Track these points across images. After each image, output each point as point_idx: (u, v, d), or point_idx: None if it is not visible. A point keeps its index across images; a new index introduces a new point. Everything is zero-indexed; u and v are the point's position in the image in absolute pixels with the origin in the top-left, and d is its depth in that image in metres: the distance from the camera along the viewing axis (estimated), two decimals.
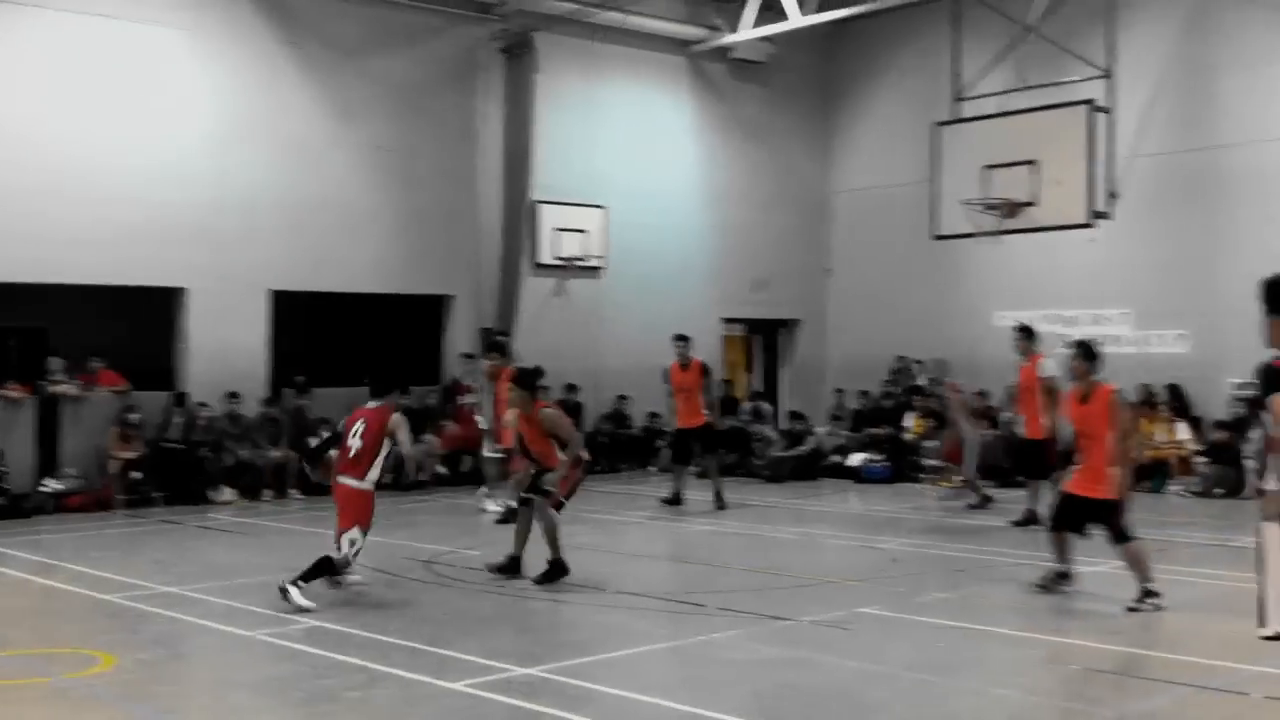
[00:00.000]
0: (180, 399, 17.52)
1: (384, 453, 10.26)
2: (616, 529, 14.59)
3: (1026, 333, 14.67)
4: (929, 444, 19.95)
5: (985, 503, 15.95)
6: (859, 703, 7.46)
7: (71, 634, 9.48)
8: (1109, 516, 9.92)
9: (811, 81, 24.68)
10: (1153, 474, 18.31)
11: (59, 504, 16.09)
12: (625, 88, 22.21)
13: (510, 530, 11.59)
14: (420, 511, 16.36)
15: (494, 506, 15.52)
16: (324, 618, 9.50)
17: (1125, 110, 16.20)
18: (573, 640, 9.15)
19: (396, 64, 19.74)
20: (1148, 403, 19.02)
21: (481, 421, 16.28)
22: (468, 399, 18.67)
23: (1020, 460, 15.58)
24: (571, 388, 20.23)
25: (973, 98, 17.45)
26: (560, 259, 21.08)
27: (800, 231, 24.49)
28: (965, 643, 8.98)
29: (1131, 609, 9.73)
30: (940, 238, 17.82)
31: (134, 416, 16.80)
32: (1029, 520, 14.08)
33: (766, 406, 22.33)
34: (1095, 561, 11.93)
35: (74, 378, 16.93)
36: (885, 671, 8.10)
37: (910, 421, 20.63)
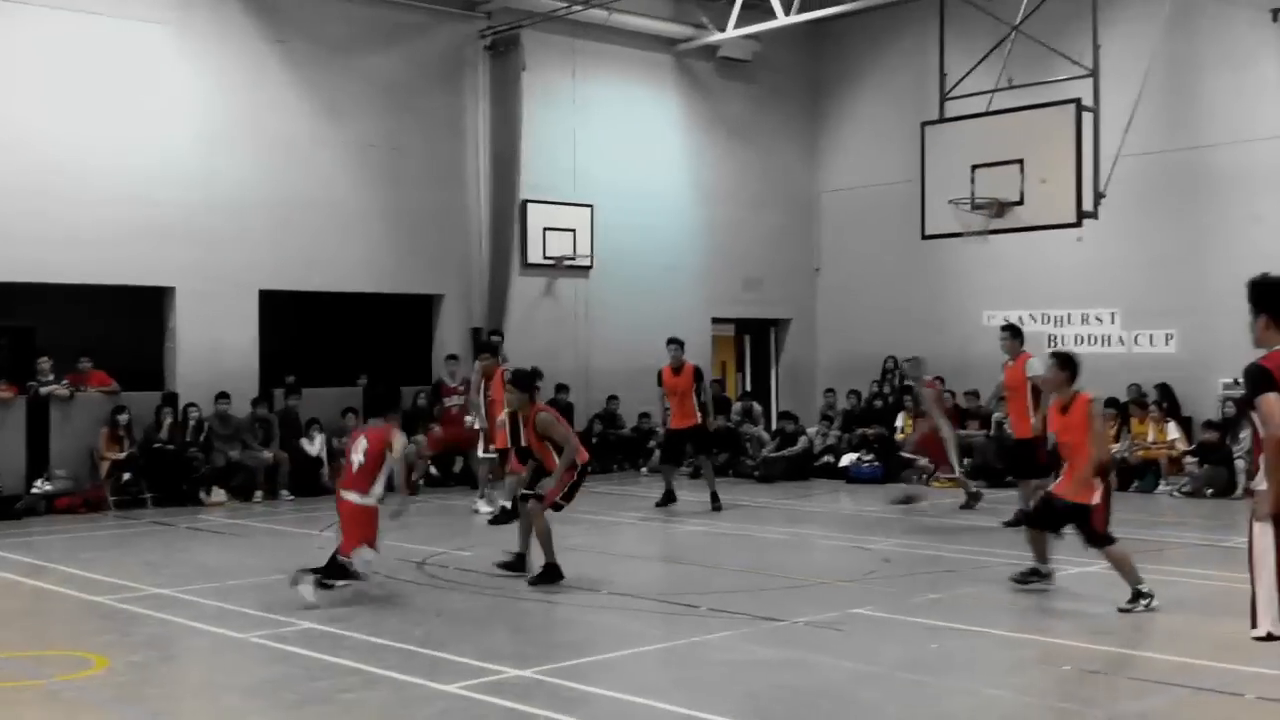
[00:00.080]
0: (170, 399, 17.47)
1: (386, 468, 10.35)
2: (609, 529, 14.59)
3: (1013, 332, 14.69)
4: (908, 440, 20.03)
5: (974, 500, 15.97)
6: (852, 703, 7.48)
7: (63, 636, 9.47)
8: (1086, 521, 10.01)
9: (799, 80, 24.71)
10: (1143, 474, 18.40)
11: (49, 505, 16.06)
12: (612, 86, 22.21)
13: (504, 530, 11.61)
14: (412, 513, 16.29)
15: (486, 508, 15.52)
16: (317, 620, 9.49)
17: (1112, 110, 16.22)
18: (566, 641, 9.14)
19: (384, 62, 19.72)
20: (1137, 403, 19.08)
21: (475, 422, 16.25)
22: (452, 400, 18.64)
23: (1011, 460, 15.61)
24: (562, 388, 20.23)
25: (960, 97, 17.46)
26: (549, 258, 21.08)
27: (789, 231, 24.52)
28: (958, 643, 9.00)
29: (1123, 610, 9.76)
30: (929, 237, 17.83)
31: (124, 417, 16.76)
32: (1021, 520, 14.10)
33: (757, 407, 22.36)
34: (1087, 562, 11.97)
35: (63, 378, 16.88)
36: (878, 672, 8.12)
37: (901, 421, 20.68)
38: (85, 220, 16.83)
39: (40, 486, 16.22)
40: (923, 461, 18.58)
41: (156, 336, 18.07)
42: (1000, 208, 16.69)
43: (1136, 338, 20.15)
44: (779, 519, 15.89)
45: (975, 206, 16.80)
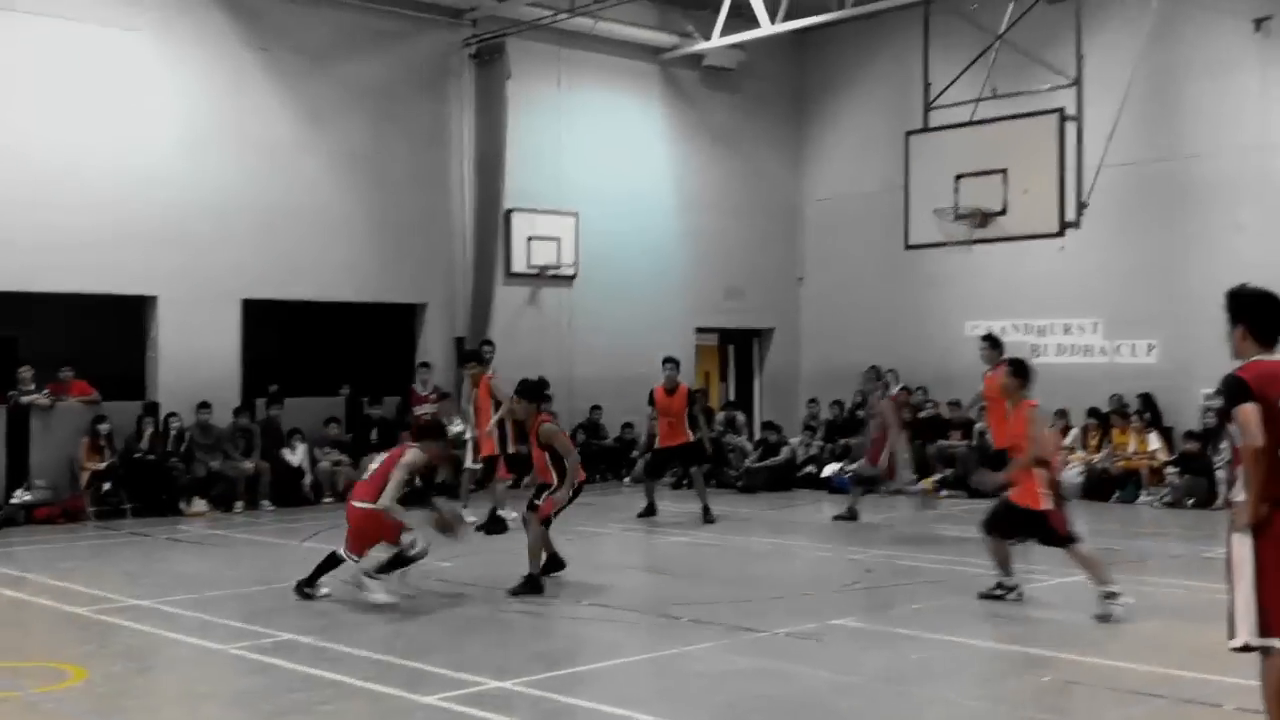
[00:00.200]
0: (151, 409, 17.40)
1: (398, 479, 10.46)
2: (591, 540, 14.55)
3: (992, 342, 14.70)
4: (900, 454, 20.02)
5: (927, 504, 15.94)
6: (832, 714, 7.47)
7: (41, 647, 9.42)
8: (1043, 526, 10.19)
9: (783, 89, 24.75)
10: (1124, 485, 18.44)
11: (29, 515, 15.97)
12: (597, 94, 22.22)
13: (487, 540, 11.62)
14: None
15: (471, 518, 15.45)
16: (296, 631, 9.44)
17: (1095, 119, 16.27)
18: (547, 653, 9.12)
19: (367, 69, 19.69)
20: (1119, 413, 19.14)
21: (465, 431, 16.21)
22: (424, 409, 18.57)
23: (991, 469, 15.59)
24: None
25: (944, 106, 17.50)
26: (533, 267, 21.06)
27: (772, 240, 24.55)
28: (938, 654, 8.99)
29: (1099, 617, 9.82)
30: (912, 247, 17.85)
31: (104, 427, 16.68)
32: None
33: (740, 417, 22.36)
34: (1067, 573, 11.98)
35: (44, 387, 16.80)
36: (859, 683, 8.11)
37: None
38: (67, 229, 16.76)
39: (19, 496, 16.14)
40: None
41: (138, 345, 18.00)
42: (983, 217, 16.72)
43: (1119, 347, 20.21)
44: (761, 529, 15.88)
45: (959, 216, 16.83)
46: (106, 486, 16.56)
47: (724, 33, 21.53)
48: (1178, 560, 13.28)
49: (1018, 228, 16.57)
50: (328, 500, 18.17)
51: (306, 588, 10.72)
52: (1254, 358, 6.12)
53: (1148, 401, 19.22)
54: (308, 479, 18.19)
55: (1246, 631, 6.00)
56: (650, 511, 16.37)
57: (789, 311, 24.89)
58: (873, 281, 23.24)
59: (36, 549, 14.13)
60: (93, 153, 17.14)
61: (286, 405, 18.47)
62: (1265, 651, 5.98)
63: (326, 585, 10.74)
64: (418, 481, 18.55)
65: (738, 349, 25.15)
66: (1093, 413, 19.39)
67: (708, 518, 16.04)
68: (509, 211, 20.85)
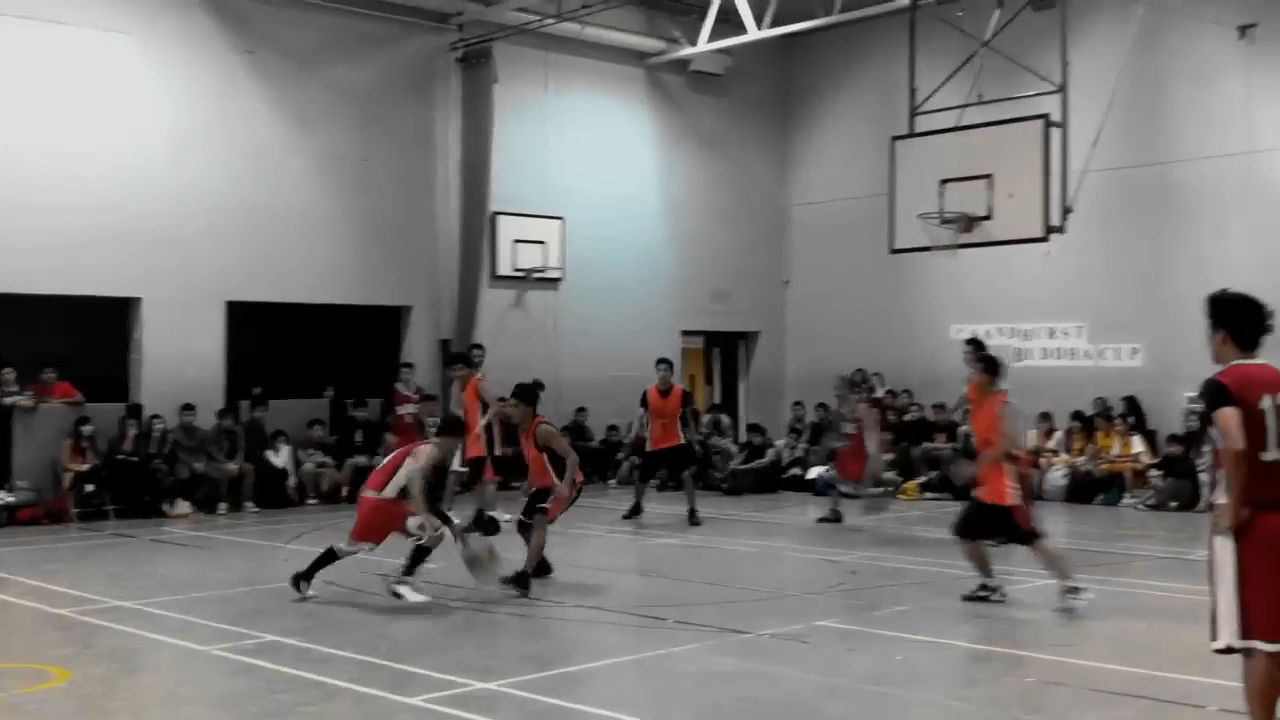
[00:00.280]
0: (134, 410, 17.35)
1: (404, 474, 10.60)
2: (577, 542, 14.54)
3: (976, 346, 14.70)
4: (886, 457, 20.06)
5: (877, 506, 15.93)
6: (816, 715, 7.48)
7: (24, 649, 9.38)
8: (1009, 521, 10.35)
9: (769, 94, 24.79)
10: (1108, 487, 18.51)
11: (11, 517, 15.90)
12: (583, 99, 22.23)
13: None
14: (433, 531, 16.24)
15: (456, 520, 15.41)
16: (280, 632, 9.43)
17: (1080, 125, 16.32)
18: (532, 654, 9.11)
19: (354, 73, 19.67)
20: (1102, 415, 19.22)
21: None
22: (406, 408, 18.54)
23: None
24: None
25: (929, 112, 17.54)
26: (519, 270, 21.06)
27: (758, 244, 24.58)
28: (922, 655, 9.01)
29: (1060, 610, 10.03)
30: (897, 251, 17.89)
31: (88, 428, 16.63)
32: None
33: (726, 419, 22.37)
34: (1050, 574, 12.02)
35: (27, 389, 16.73)
36: (843, 684, 8.13)
37: (871, 447, 20.67)
38: (51, 230, 16.70)
39: (2, 498, 16.06)
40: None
41: (121, 347, 17.94)
42: (969, 222, 16.75)
43: (1103, 351, 20.28)
44: (747, 531, 15.90)
45: (944, 221, 16.85)
46: (90, 488, 16.49)
47: (711, 38, 21.55)
48: (1161, 562, 13.33)
49: (1003, 232, 16.60)
50: (312, 502, 18.17)
51: (302, 580, 10.79)
52: (1234, 362, 6.20)
53: (1133, 405, 19.30)
54: (292, 481, 18.15)
55: (1229, 633, 6.04)
56: (636, 511, 16.37)
57: (775, 315, 24.93)
58: (858, 285, 23.29)
59: (19, 550, 14.06)
60: (78, 155, 17.08)
61: (271, 407, 18.42)
62: (1247, 653, 6.02)
63: (315, 589, 10.74)
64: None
65: (723, 352, 25.17)
66: (1077, 416, 19.47)
67: (693, 520, 16.06)
68: (495, 214, 20.85)
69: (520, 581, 10.98)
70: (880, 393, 21.85)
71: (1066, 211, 16.23)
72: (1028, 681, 8.25)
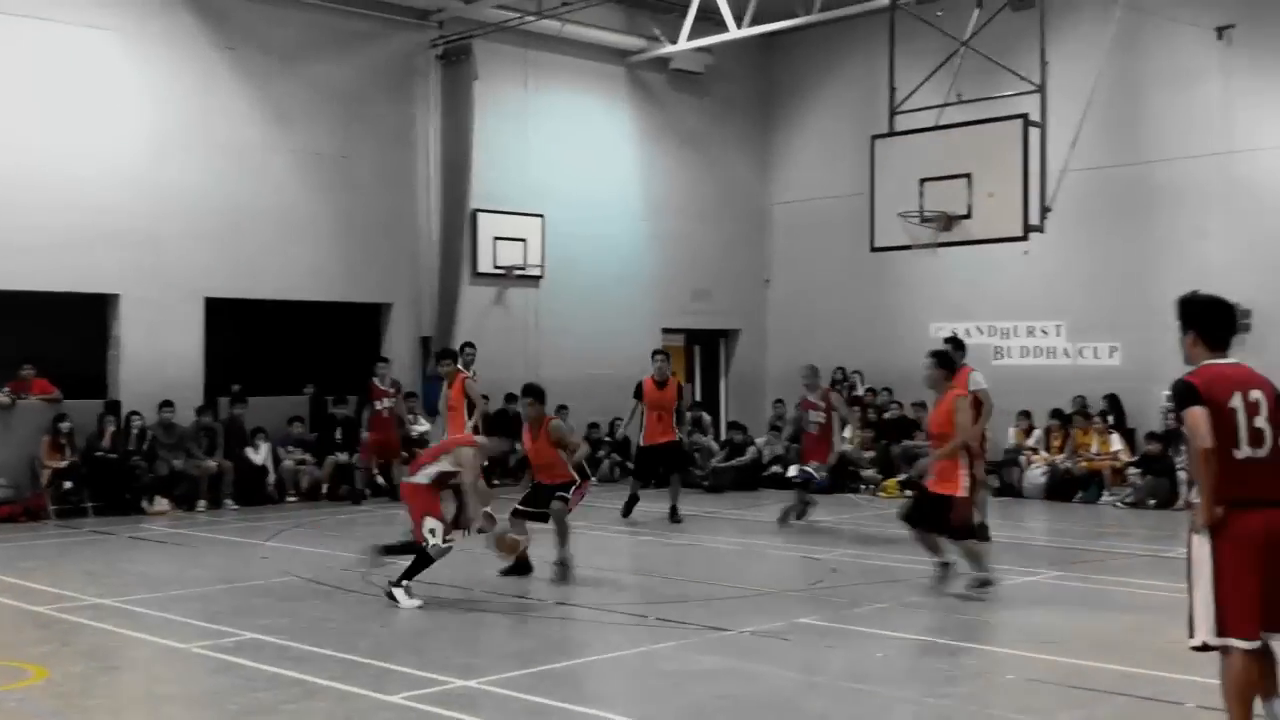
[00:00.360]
0: (113, 407, 17.27)
1: (450, 465, 10.62)
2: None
3: (955, 345, 14.75)
4: (866, 454, 20.16)
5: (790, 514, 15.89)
6: (797, 713, 7.49)
7: (2, 646, 9.32)
8: (950, 511, 10.62)
9: (750, 93, 24.82)
10: (1087, 485, 18.60)
11: None
12: (564, 97, 22.22)
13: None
14: (359, 523, 16.24)
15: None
16: (260, 630, 9.40)
17: (1059, 125, 16.40)
18: (513, 652, 9.10)
19: (334, 70, 19.62)
20: (1082, 414, 19.31)
21: (425, 428, 16.19)
22: (382, 404, 18.48)
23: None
24: (511, 397, 20.14)
25: (909, 111, 17.59)
26: (499, 268, 21.04)
27: (739, 242, 24.61)
28: (904, 653, 9.05)
29: (964, 595, 10.50)
30: (878, 249, 17.93)
31: (66, 425, 16.55)
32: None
33: (706, 417, 22.40)
34: (1031, 572, 12.11)
35: (5, 385, 16.64)
36: (824, 682, 8.15)
37: (849, 432, 20.76)
38: (30, 226, 16.63)
39: None
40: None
41: (100, 344, 17.86)
42: (948, 221, 16.79)
43: (1081, 350, 20.38)
44: (727, 529, 15.92)
45: (924, 220, 16.91)
46: (68, 485, 16.42)
47: (691, 36, 21.57)
48: (1139, 560, 13.40)
49: (982, 231, 16.66)
50: (291, 499, 18.13)
51: (383, 554, 10.95)
52: (1205, 362, 6.29)
53: (1114, 403, 19.40)
54: (271, 478, 18.11)
55: (1205, 631, 6.09)
56: (634, 503, 16.21)
57: (755, 313, 24.97)
58: (838, 284, 23.35)
59: None
60: (57, 151, 17.00)
61: (250, 404, 18.37)
62: (1224, 651, 6.07)
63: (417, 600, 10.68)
64: (379, 479, 18.72)
65: (704, 350, 25.20)
66: (1056, 414, 19.57)
67: (675, 518, 16.05)
68: (475, 212, 20.83)
69: (562, 573, 11.51)
70: (860, 390, 21.99)
71: (1045, 211, 16.30)
72: (1008, 679, 8.28)
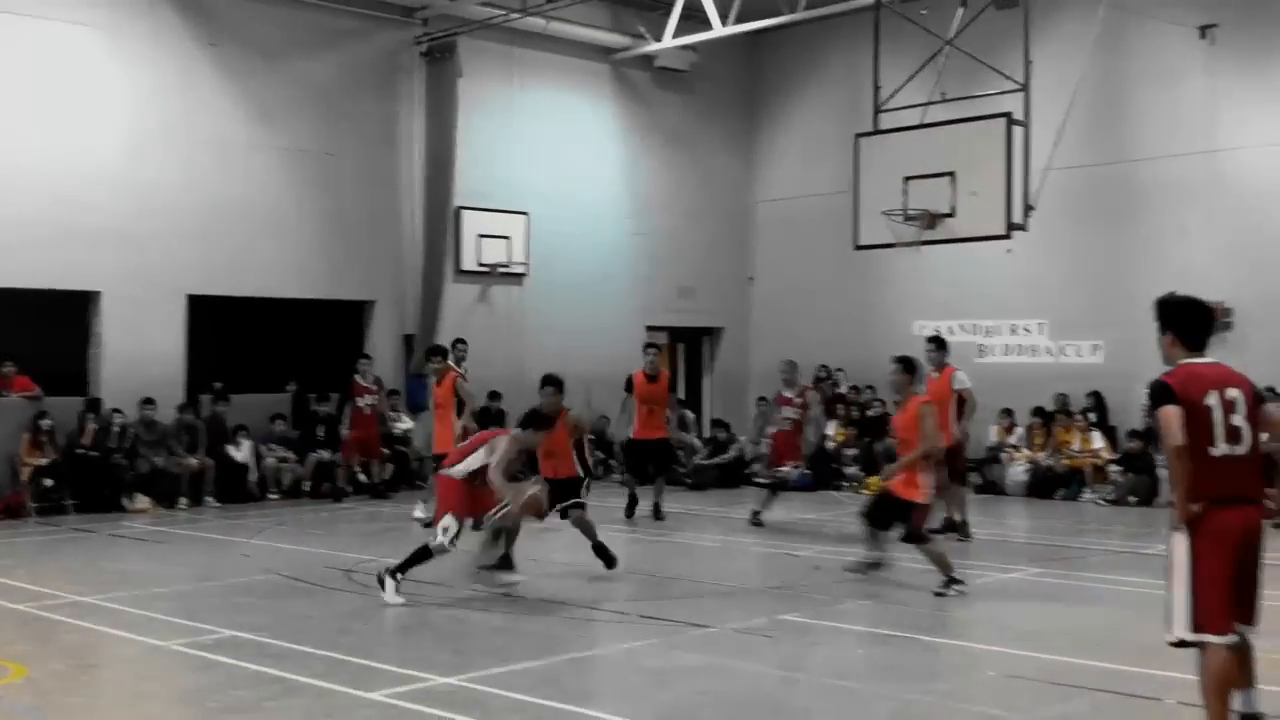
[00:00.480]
0: (94, 405, 17.20)
1: (487, 458, 10.56)
2: (538, 536, 14.51)
3: (938, 344, 14.76)
4: (848, 452, 20.19)
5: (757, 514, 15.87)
6: (778, 709, 7.50)
7: None
8: (910, 517, 10.83)
9: (735, 91, 24.83)
10: (1069, 483, 18.66)
11: None
12: (548, 94, 22.19)
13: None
14: (340, 521, 16.22)
15: (419, 514, 15.36)
16: (240, 628, 9.37)
17: (1041, 124, 16.44)
18: (493, 649, 9.08)
19: (317, 66, 19.57)
20: (1063, 411, 19.38)
21: (408, 426, 16.11)
22: (365, 400, 18.41)
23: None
24: (495, 395, 20.14)
25: (893, 109, 17.61)
26: (483, 265, 21.01)
27: (723, 240, 24.62)
28: (884, 649, 9.07)
29: (938, 594, 10.61)
30: (861, 247, 17.96)
31: (46, 423, 16.47)
32: (947, 528, 14.26)
33: (690, 415, 22.39)
34: (1008, 568, 12.14)
35: None
36: (805, 678, 8.16)
37: (832, 430, 20.82)
38: (11, 223, 16.56)
39: None
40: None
41: (81, 341, 17.78)
42: (932, 219, 16.82)
43: (1064, 348, 20.43)
44: (710, 526, 15.92)
45: (907, 218, 16.93)
46: (48, 483, 16.34)
47: (676, 34, 21.57)
48: (1120, 556, 13.46)
49: (965, 230, 16.69)
50: (273, 496, 18.08)
51: (498, 569, 11.10)
52: (1182, 362, 6.37)
53: (1098, 400, 19.46)
54: (253, 475, 18.06)
55: (1181, 626, 6.14)
56: (634, 504, 16.05)
57: (739, 311, 24.98)
58: (822, 282, 23.37)
59: None
60: (39, 147, 16.92)
61: (232, 401, 18.31)
62: (1201, 646, 6.11)
63: (518, 573, 11.00)
64: (360, 476, 18.67)
65: (688, 348, 25.20)
66: (1038, 412, 19.63)
67: (658, 515, 16.03)
68: (459, 209, 20.79)
69: (606, 558, 11.83)
70: (843, 388, 22.02)
71: (1029, 209, 16.34)
72: (988, 675, 8.30)
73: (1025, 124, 16.26)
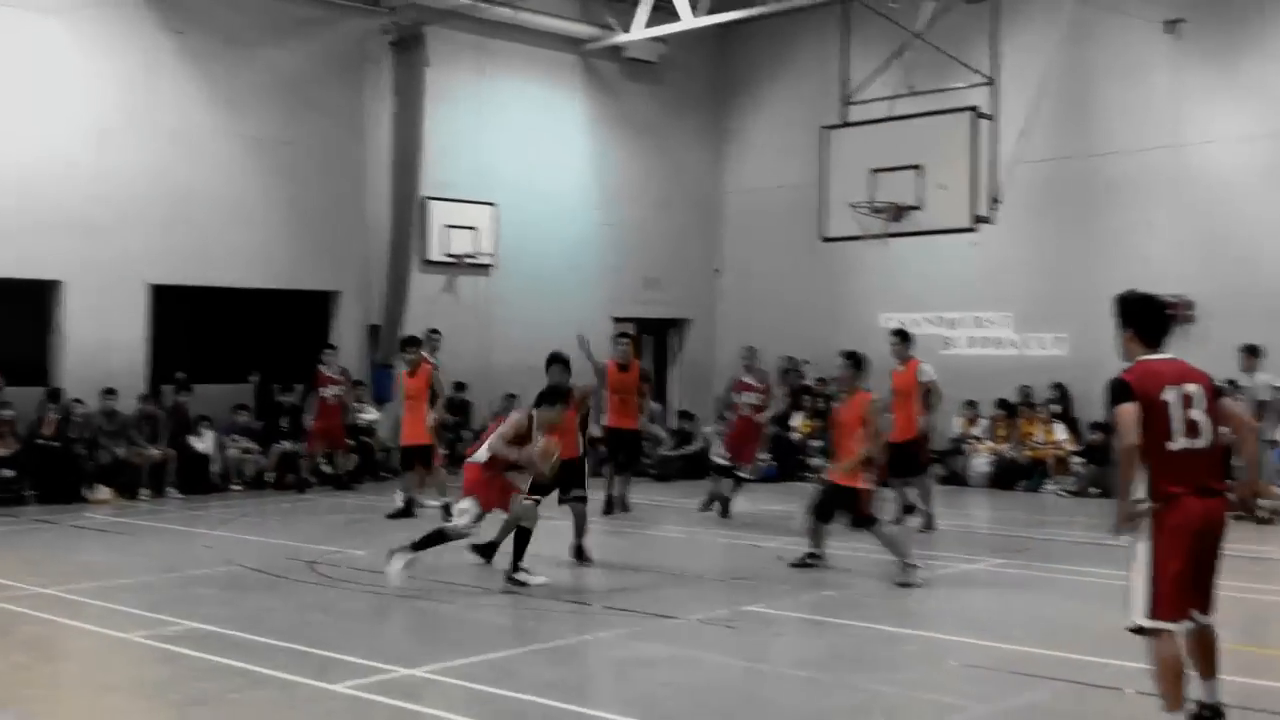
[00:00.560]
0: (55, 395, 17.05)
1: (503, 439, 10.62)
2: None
3: (902, 337, 14.82)
4: (814, 443, 20.24)
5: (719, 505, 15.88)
6: (744, 700, 7.52)
7: None
8: (855, 503, 11.02)
9: (704, 83, 24.82)
10: (1030, 474, 18.79)
11: None
12: (517, 85, 22.12)
13: (401, 528, 11.65)
14: (302, 511, 16.15)
15: (400, 502, 15.30)
16: (203, 619, 9.32)
17: (1008, 117, 16.53)
18: (457, 640, 9.08)
19: (283, 55, 19.43)
20: (1026, 403, 19.50)
21: (374, 416, 16.03)
22: (329, 390, 18.28)
23: (892, 461, 15.36)
24: (460, 385, 20.09)
25: (861, 102, 17.67)
26: (450, 256, 20.94)
27: (691, 231, 24.63)
28: (847, 640, 9.11)
29: (901, 584, 10.70)
30: (828, 240, 18.01)
31: (7, 413, 16.32)
32: (905, 511, 14.40)
33: (656, 406, 22.35)
34: (971, 559, 12.21)
35: None
36: (769, 669, 8.19)
37: (797, 421, 20.88)
38: None
39: None
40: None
41: (42, 331, 17.62)
42: (898, 212, 16.90)
43: (1028, 341, 20.54)
44: (674, 517, 15.94)
45: (874, 210, 17.00)
46: (8, 473, 16.18)
47: (645, 25, 21.54)
48: (1080, 547, 13.54)
49: (932, 222, 16.77)
50: (236, 487, 17.96)
51: (513, 574, 10.78)
52: (1140, 358, 6.44)
53: (1062, 392, 19.57)
54: (215, 466, 17.94)
55: (1139, 613, 6.25)
56: (612, 504, 15.77)
57: (706, 302, 24.99)
58: (789, 273, 23.41)
59: None
60: (0, 135, 16.75)
61: (195, 391, 18.17)
62: (1156, 633, 6.19)
63: (540, 575, 10.80)
64: (324, 466, 18.57)
65: (655, 339, 25.19)
66: (1002, 404, 19.74)
67: (623, 506, 15.96)
68: (426, 200, 20.71)
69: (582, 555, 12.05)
70: (809, 380, 22.08)
71: (994, 202, 16.43)
72: (950, 665, 8.35)
73: (992, 117, 16.34)
